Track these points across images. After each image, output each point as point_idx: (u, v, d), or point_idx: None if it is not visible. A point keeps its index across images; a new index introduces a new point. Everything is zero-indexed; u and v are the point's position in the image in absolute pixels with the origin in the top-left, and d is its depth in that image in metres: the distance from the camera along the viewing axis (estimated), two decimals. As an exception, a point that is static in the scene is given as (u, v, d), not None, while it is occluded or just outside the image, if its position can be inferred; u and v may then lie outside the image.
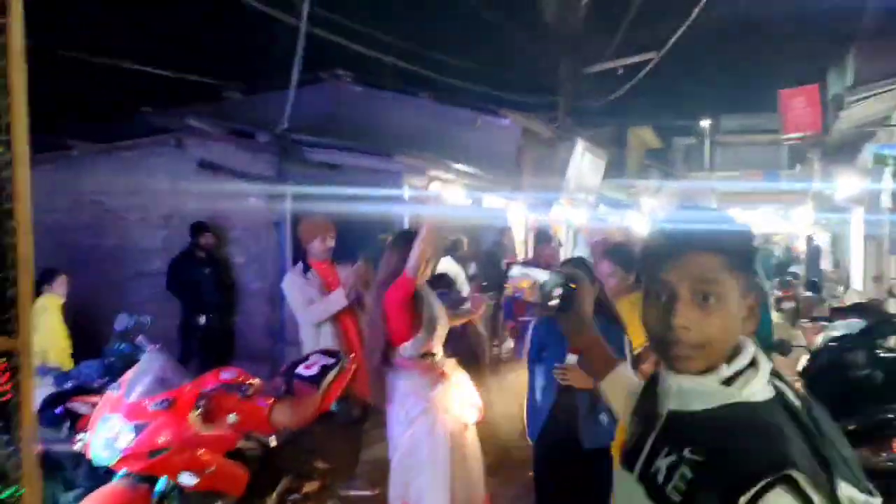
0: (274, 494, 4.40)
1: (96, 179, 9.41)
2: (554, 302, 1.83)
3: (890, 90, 8.45)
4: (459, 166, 9.58)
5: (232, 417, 3.94)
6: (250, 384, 4.12)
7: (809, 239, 22.93)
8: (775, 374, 1.43)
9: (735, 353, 1.45)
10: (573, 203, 14.68)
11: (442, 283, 8.18)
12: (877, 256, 12.51)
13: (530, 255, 11.86)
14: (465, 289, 9.60)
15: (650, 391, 1.57)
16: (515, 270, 2.04)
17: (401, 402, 4.17)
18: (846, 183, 12.88)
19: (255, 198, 8.87)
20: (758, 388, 1.38)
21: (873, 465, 3.64)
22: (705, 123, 34.90)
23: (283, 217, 8.76)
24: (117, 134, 9.51)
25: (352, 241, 8.55)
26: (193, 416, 3.80)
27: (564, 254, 12.49)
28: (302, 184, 8.54)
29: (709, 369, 1.42)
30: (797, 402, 1.38)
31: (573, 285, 1.85)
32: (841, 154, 14.24)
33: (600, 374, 1.90)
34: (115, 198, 9.40)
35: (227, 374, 4.06)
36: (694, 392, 1.41)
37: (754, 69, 27.14)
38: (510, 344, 9.73)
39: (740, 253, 1.45)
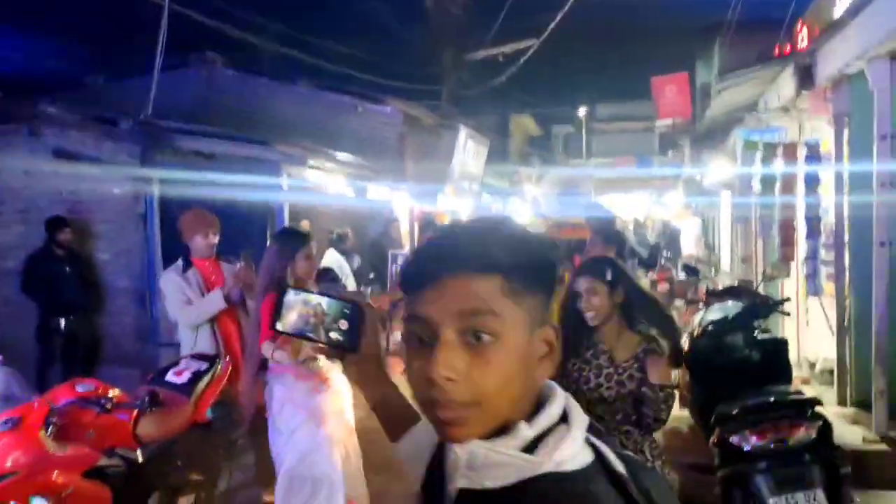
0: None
1: (-60, 172, 8.57)
2: (336, 336, 1.32)
3: (754, 78, 8.76)
4: (341, 155, 9.29)
5: (90, 434, 3.57)
6: (110, 397, 3.75)
7: (666, 224, 23.87)
8: (593, 429, 1.07)
9: (539, 405, 1.06)
10: (458, 192, 14.63)
11: (326, 278, 7.93)
12: (745, 239, 13.06)
13: (416, 245, 11.73)
14: (349, 282, 9.38)
15: (438, 461, 1.16)
16: (290, 295, 1.17)
17: (278, 412, 3.92)
18: (715, 168, 13.38)
19: (120, 189, 8.31)
20: (571, 453, 1.01)
21: (759, 450, 3.68)
22: (582, 111, 35.84)
23: (150, 210, 8.24)
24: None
25: (229, 233, 8.17)
26: (44, 434, 3.41)
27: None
28: (172, 174, 8.06)
29: (503, 431, 1.03)
30: (621, 468, 1.04)
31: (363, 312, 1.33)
32: (710, 140, 14.81)
33: (395, 434, 1.39)
34: (-34, 191, 8.61)
35: (82, 387, 3.69)
36: (486, 464, 1.01)
37: (628, 58, 27.97)
38: (398, 337, 9.56)
39: (527, 269, 1.05)
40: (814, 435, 3.69)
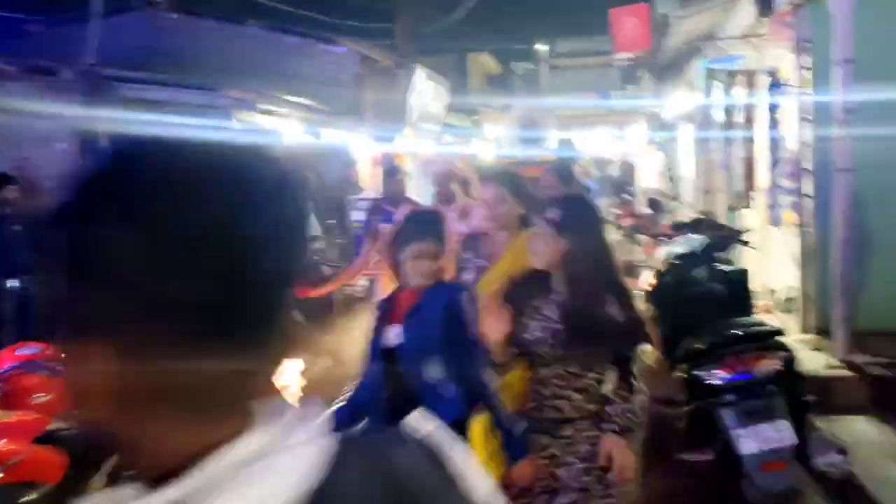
0: (100, 475, 3.94)
1: None
2: None
3: (714, 6, 8.62)
4: (294, 98, 9.01)
5: (38, 398, 3.43)
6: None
7: (623, 158, 23.88)
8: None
9: None
10: (418, 133, 14.38)
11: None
12: (707, 171, 13.06)
13: (379, 189, 11.52)
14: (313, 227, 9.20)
15: None
16: None
17: None
18: (676, 100, 13.29)
19: (66, 143, 7.99)
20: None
21: (724, 383, 3.67)
22: (542, 48, 35.38)
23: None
24: None
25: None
26: (-13, 402, 3.27)
27: (412, 186, 12.23)
28: (117, 124, 7.75)
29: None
30: None
31: None
32: (670, 72, 14.67)
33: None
34: None
35: (27, 350, 3.52)
36: None
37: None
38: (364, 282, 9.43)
39: None
40: (778, 366, 3.68)
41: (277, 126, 8.98)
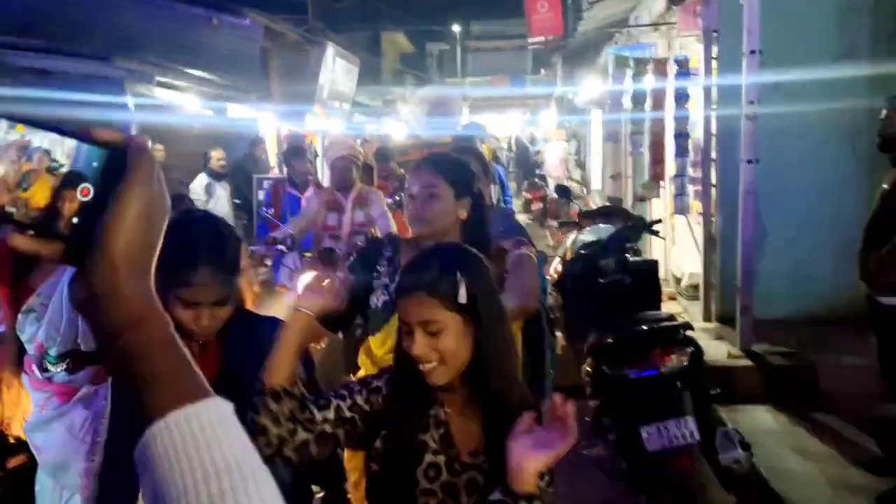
0: None
1: None
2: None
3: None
4: (193, 71, 8.54)
5: None
6: None
7: (516, 140, 24.00)
8: None
9: None
10: (327, 111, 14.01)
11: (178, 206, 7.31)
12: (615, 157, 13.21)
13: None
14: (217, 208, 8.76)
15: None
16: None
17: None
18: (587, 86, 13.35)
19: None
20: None
21: (631, 380, 3.59)
22: (456, 29, 35.24)
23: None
24: None
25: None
26: None
27: (320, 167, 11.90)
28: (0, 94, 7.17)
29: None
30: None
31: None
32: (582, 58, 14.74)
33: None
34: None
35: None
36: None
37: (501, -26, 27.49)
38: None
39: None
40: (685, 362, 3.63)
41: (176, 100, 8.50)
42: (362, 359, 2.70)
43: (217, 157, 8.75)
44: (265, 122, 11.79)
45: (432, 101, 8.01)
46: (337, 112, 14.84)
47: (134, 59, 7.51)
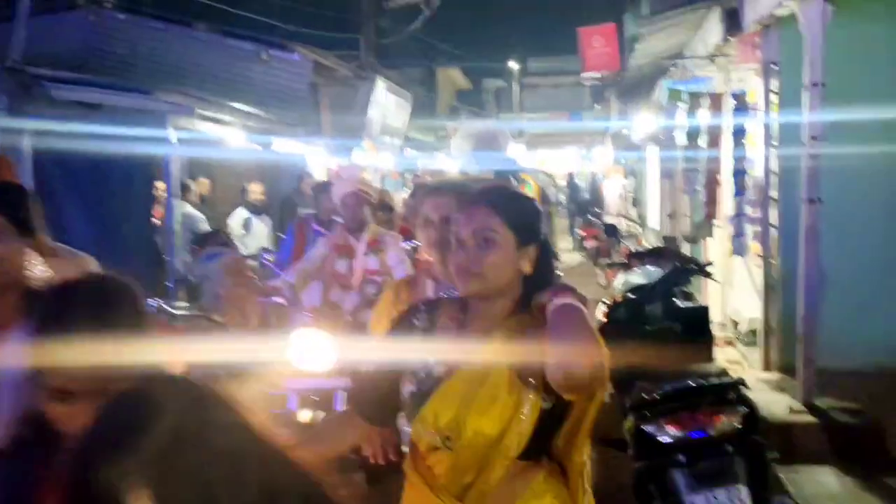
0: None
1: None
2: None
3: (679, 23, 8.31)
4: (238, 105, 8.50)
5: None
6: None
7: (570, 176, 23.48)
8: None
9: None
10: (377, 146, 13.95)
11: (215, 242, 7.20)
12: (672, 195, 12.79)
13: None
14: (254, 243, 8.67)
15: None
16: None
17: None
18: (641, 121, 13.01)
19: (-12, 145, 7.41)
20: None
21: (676, 441, 3.24)
22: (514, 65, 35.26)
23: (23, 169, 7.37)
24: None
25: (110, 189, 7.39)
26: None
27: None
28: (48, 128, 7.22)
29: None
30: None
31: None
32: (636, 92, 14.44)
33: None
34: None
35: None
36: None
37: (558, 10, 27.45)
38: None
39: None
40: (737, 423, 3.26)
41: (221, 133, 8.46)
42: None
43: (255, 190, 8.64)
44: (314, 156, 11.74)
45: (478, 135, 7.77)
46: (388, 146, 14.78)
47: (175, 92, 7.49)
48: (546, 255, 1.98)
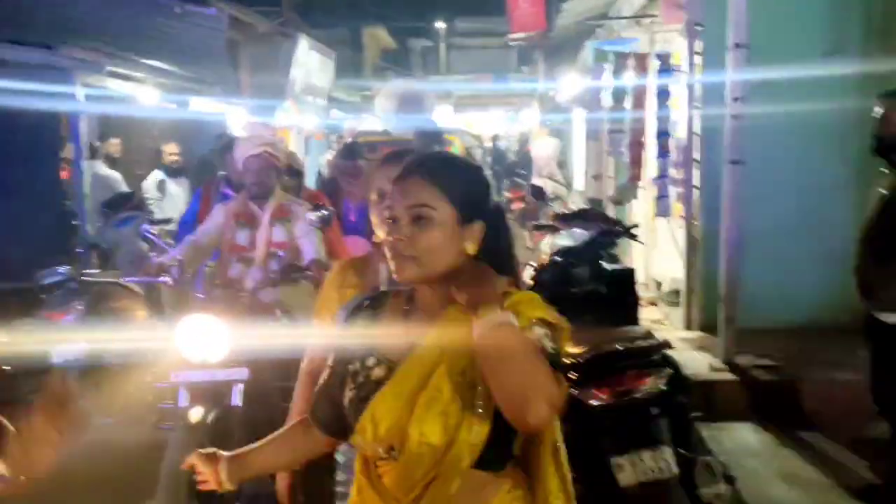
0: None
1: None
2: None
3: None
4: (150, 62, 8.08)
5: None
6: None
7: (495, 138, 23.44)
8: None
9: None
10: (300, 106, 13.57)
11: (127, 205, 6.87)
12: (597, 156, 12.86)
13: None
14: (169, 206, 8.31)
15: None
16: None
17: None
18: (568, 82, 12.99)
19: None
20: None
21: (602, 406, 3.21)
22: (440, 25, 34.86)
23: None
24: None
25: (11, 151, 6.95)
26: None
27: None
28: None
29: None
30: None
31: None
32: (562, 54, 14.41)
33: None
34: None
35: None
36: None
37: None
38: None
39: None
40: (662, 386, 3.25)
41: (132, 91, 8.05)
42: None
43: (170, 151, 8.26)
44: (234, 116, 11.34)
45: (402, 95, 7.41)
46: (311, 107, 14.41)
47: (82, 48, 7.05)
48: (497, 233, 1.68)
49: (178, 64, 8.94)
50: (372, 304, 1.77)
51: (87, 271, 5.17)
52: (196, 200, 5.32)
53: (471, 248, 1.61)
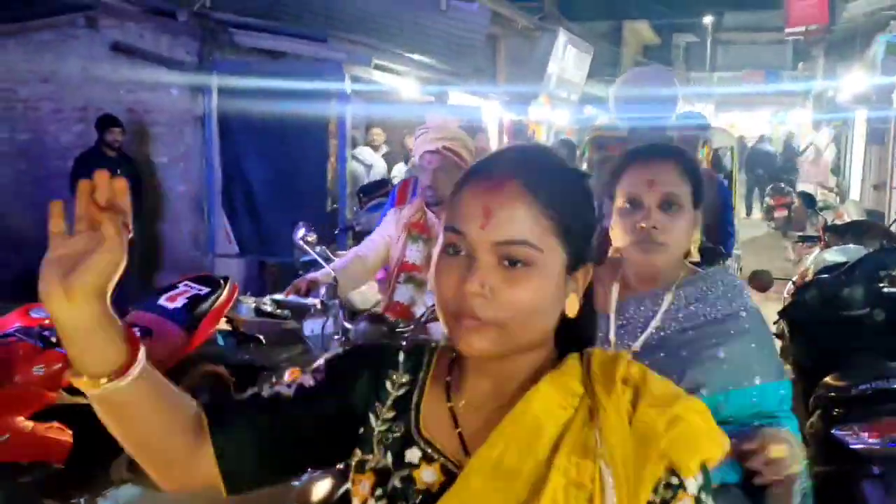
0: (122, 459, 3.54)
1: (5, 65, 8.29)
2: None
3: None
4: (414, 55, 8.40)
5: (38, 370, 3.01)
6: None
7: (760, 139, 21.32)
8: None
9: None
10: (553, 101, 13.51)
11: (381, 191, 7.19)
12: (878, 163, 11.49)
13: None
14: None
15: None
16: None
17: None
18: (851, 80, 11.71)
19: (178, 89, 7.78)
20: None
21: (870, 450, 2.77)
22: (707, 20, 33.23)
23: (209, 112, 7.70)
24: (25, 13, 8.32)
25: (289, 140, 7.55)
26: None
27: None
28: (231, 72, 7.46)
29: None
30: None
31: None
32: (847, 50, 13.01)
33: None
34: (28, 86, 8.33)
35: (36, 314, 3.11)
36: None
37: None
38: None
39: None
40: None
41: (395, 84, 8.41)
42: None
43: (376, 132, 8.47)
44: (487, 109, 11.52)
45: (636, 82, 6.17)
46: (564, 102, 14.29)
47: (352, 41, 7.48)
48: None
49: (438, 58, 9.23)
50: (410, 358, 1.13)
51: (341, 252, 5.46)
52: (391, 201, 4.40)
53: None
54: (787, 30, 15.67)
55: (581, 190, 1.04)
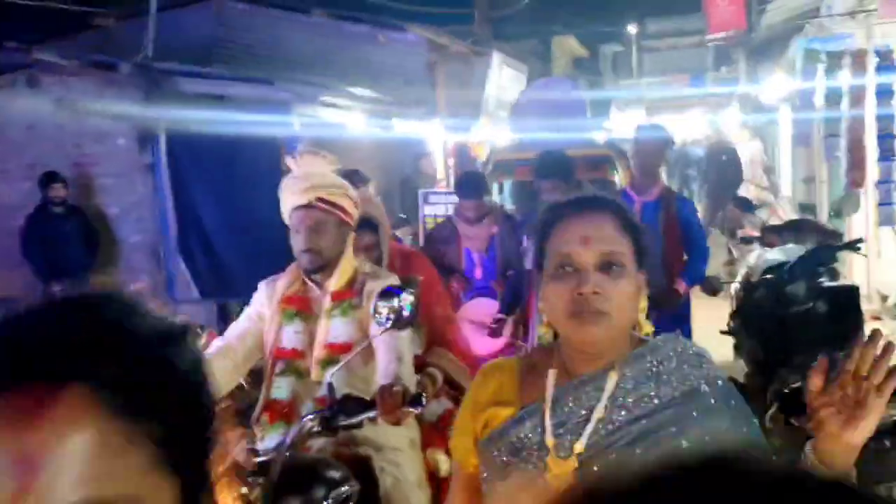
0: None
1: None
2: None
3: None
4: (357, 90, 8.59)
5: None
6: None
7: (683, 143, 21.79)
8: None
9: None
10: (494, 121, 13.80)
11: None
12: (807, 159, 12.05)
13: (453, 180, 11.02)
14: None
15: None
16: None
17: None
18: (773, 83, 12.27)
19: (125, 139, 7.83)
20: None
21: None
22: (632, 28, 34.15)
23: (158, 159, 7.75)
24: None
25: (238, 177, 7.62)
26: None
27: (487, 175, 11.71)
28: (178, 119, 7.53)
29: None
30: None
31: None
32: (767, 52, 13.64)
33: None
34: (-29, 147, 8.25)
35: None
36: None
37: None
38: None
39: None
40: (897, 418, 3.01)
41: (341, 119, 8.58)
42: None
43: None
44: (431, 134, 11.76)
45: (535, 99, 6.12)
46: (504, 121, 14.62)
47: (298, 81, 7.63)
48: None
49: (382, 89, 9.43)
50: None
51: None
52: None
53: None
54: (709, 36, 16.32)
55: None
